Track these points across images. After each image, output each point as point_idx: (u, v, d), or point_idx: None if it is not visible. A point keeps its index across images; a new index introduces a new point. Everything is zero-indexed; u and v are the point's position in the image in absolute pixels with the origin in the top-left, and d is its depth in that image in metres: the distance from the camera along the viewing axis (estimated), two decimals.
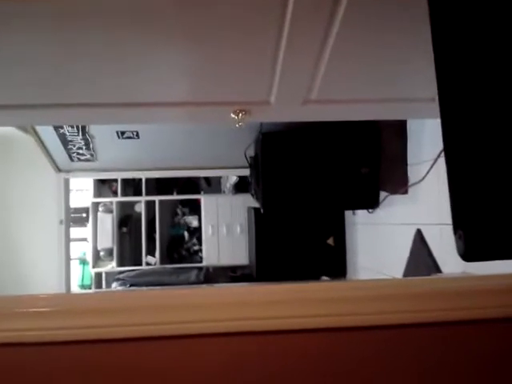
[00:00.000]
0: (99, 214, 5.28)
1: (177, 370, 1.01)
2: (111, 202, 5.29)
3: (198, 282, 4.90)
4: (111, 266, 5.23)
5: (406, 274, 2.91)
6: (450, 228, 0.62)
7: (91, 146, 3.82)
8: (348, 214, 4.23)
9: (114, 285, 4.97)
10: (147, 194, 5.23)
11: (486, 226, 0.61)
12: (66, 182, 4.33)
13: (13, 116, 1.73)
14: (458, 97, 0.64)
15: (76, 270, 5.35)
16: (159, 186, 5.38)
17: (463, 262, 0.62)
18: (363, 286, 1.12)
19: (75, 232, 5.08)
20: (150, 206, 5.24)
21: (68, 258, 4.51)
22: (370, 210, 3.57)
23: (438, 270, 2.56)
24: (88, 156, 3.95)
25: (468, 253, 0.60)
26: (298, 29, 1.31)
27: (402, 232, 3.02)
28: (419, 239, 2.76)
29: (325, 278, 4.16)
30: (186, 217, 5.48)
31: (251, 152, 3.67)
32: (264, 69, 1.49)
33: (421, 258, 2.74)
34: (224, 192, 5.26)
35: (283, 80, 1.54)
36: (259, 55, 1.43)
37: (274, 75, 1.52)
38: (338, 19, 1.29)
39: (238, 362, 1.01)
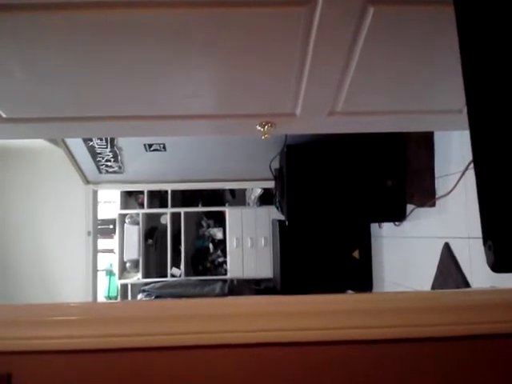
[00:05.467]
0: (126, 225, 5.34)
1: (198, 379, 1.01)
2: (138, 214, 5.35)
3: (222, 295, 4.90)
4: (137, 277, 5.28)
5: (434, 288, 2.86)
6: (479, 241, 0.62)
7: (119, 158, 3.89)
8: (374, 226, 4.18)
9: (140, 296, 5.01)
10: (173, 206, 5.28)
11: None
12: (95, 194, 4.40)
13: (44, 128, 1.77)
14: (487, 107, 0.64)
15: (103, 281, 5.41)
16: (184, 198, 5.43)
17: (492, 276, 0.62)
18: (386, 299, 1.11)
19: (102, 243, 5.15)
20: (175, 217, 5.28)
21: (95, 269, 4.58)
22: (397, 223, 3.53)
23: (466, 284, 2.51)
24: (116, 168, 4.02)
25: (498, 264, 0.59)
26: (324, 41, 1.32)
27: (430, 245, 2.97)
28: (447, 253, 2.71)
29: (350, 291, 4.11)
30: (210, 229, 5.51)
31: (276, 164, 3.68)
32: (290, 81, 1.51)
33: (449, 272, 2.69)
34: (248, 204, 5.28)
35: (309, 92, 1.55)
36: (285, 68, 1.44)
37: (300, 87, 1.53)
38: (363, 31, 1.30)
39: (257, 373, 1.01)
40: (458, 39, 0.66)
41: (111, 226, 5.45)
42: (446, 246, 2.73)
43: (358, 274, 4.19)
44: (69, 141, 3.69)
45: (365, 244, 4.22)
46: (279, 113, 1.69)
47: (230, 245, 5.07)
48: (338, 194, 3.37)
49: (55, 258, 4.68)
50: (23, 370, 1.00)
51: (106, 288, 5.49)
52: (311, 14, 1.24)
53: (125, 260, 5.33)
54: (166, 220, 5.29)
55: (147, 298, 4.88)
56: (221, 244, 5.38)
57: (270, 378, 1.01)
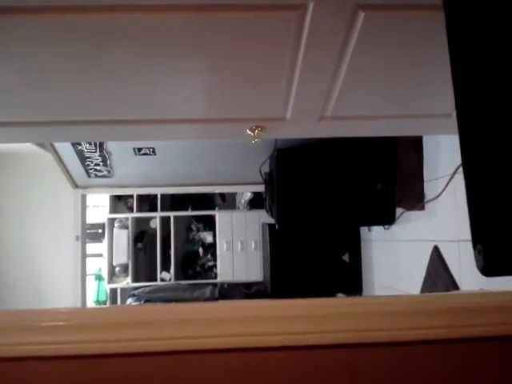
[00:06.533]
0: (115, 229, 5.31)
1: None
2: (127, 218, 5.32)
3: (212, 299, 4.88)
4: (126, 281, 5.25)
5: (423, 291, 2.88)
6: (468, 244, 0.62)
7: (108, 162, 3.87)
8: (363, 230, 4.20)
9: (129, 300, 4.98)
10: (162, 209, 5.26)
11: (506, 240, 0.61)
12: (83, 198, 4.37)
13: (33, 133, 1.76)
14: (476, 112, 0.65)
15: (91, 285, 5.37)
16: (174, 202, 5.41)
17: (481, 279, 0.62)
18: (376, 302, 1.11)
19: (91, 248, 5.11)
20: (164, 221, 5.26)
21: (84, 274, 4.54)
22: (386, 227, 3.55)
23: (455, 287, 2.53)
24: (105, 172, 4.00)
25: (487, 267, 0.60)
26: (314, 45, 1.32)
27: (419, 249, 2.99)
28: (436, 256, 2.73)
29: (340, 294, 4.12)
30: (200, 233, 5.49)
31: (266, 168, 3.68)
32: (280, 85, 1.51)
33: (438, 275, 2.70)
34: (238, 208, 5.27)
35: (299, 97, 1.55)
36: (276, 72, 1.45)
37: (290, 92, 1.53)
38: (354, 36, 1.31)
39: (245, 378, 1.01)
40: (447, 44, 0.67)
41: (100, 231, 5.42)
42: (436, 249, 2.75)
43: (347, 278, 4.20)
44: (57, 145, 3.66)
45: (354, 247, 4.24)
46: (269, 117, 1.69)
47: (220, 248, 5.06)
48: (328, 198, 3.38)
49: (43, 262, 4.64)
50: (10, 377, 0.99)
51: (95, 292, 5.44)
52: (302, 18, 1.24)
53: (114, 264, 5.30)
54: (156, 224, 5.26)
55: (137, 303, 4.86)
56: (211, 248, 5.37)
57: (263, 382, 1.00)
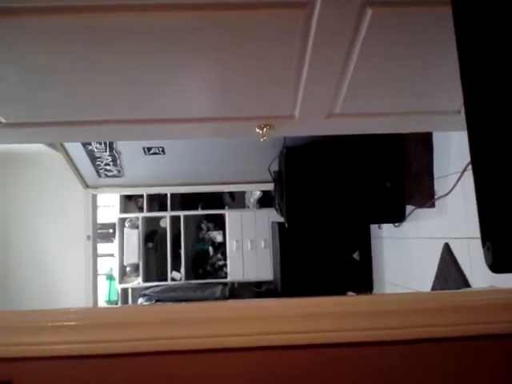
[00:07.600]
0: (125, 229, 5.34)
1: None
2: (137, 218, 5.35)
3: (223, 298, 4.90)
4: (137, 281, 5.28)
5: (434, 288, 2.86)
6: (479, 242, 0.62)
7: (118, 162, 3.89)
8: (373, 227, 4.18)
9: (140, 300, 5.01)
10: (172, 209, 5.28)
11: None
12: (94, 198, 4.41)
13: (43, 133, 1.77)
14: (485, 108, 0.64)
15: (103, 285, 5.41)
16: (184, 201, 5.43)
17: (492, 276, 0.61)
18: (387, 300, 1.11)
19: (102, 248, 5.15)
20: (175, 221, 5.28)
21: (95, 274, 4.58)
22: (396, 224, 3.53)
23: (466, 284, 2.51)
24: (115, 172, 4.03)
25: (497, 264, 0.59)
26: (322, 43, 1.32)
27: (430, 246, 2.97)
28: (447, 253, 2.71)
29: (351, 293, 4.11)
30: (210, 232, 5.50)
31: (275, 166, 3.68)
32: (288, 83, 1.50)
33: (449, 272, 2.69)
34: (248, 207, 5.28)
35: (307, 94, 1.55)
36: (284, 69, 1.44)
37: (299, 89, 1.53)
38: (362, 33, 1.30)
39: (259, 377, 1.01)
40: (455, 40, 0.66)
41: (111, 230, 5.45)
42: (446, 247, 2.73)
43: (358, 276, 4.19)
44: (67, 145, 3.69)
45: (365, 245, 4.22)
46: (278, 115, 1.69)
47: (230, 247, 5.07)
48: (338, 196, 3.37)
49: (55, 262, 4.67)
50: (24, 377, 1.00)
51: (106, 292, 5.48)
52: (309, 16, 1.24)
53: (125, 264, 5.33)
54: (166, 223, 5.29)
55: (148, 302, 4.88)
56: (221, 247, 5.38)
57: (274, 381, 1.01)
